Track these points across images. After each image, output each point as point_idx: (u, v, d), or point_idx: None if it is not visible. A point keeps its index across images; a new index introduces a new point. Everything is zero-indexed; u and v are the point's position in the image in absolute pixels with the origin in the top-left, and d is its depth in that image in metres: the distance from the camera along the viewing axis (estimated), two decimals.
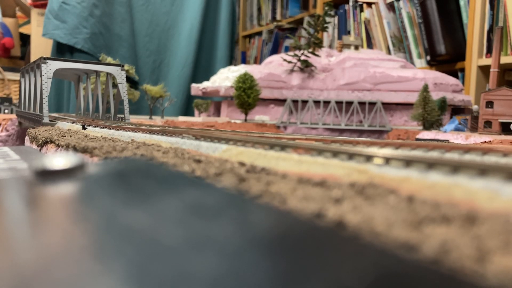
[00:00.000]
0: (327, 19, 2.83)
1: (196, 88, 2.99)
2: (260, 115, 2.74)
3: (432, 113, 2.09)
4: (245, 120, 2.60)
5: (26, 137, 1.39)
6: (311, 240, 0.24)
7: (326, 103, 2.63)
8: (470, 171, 0.43)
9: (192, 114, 3.46)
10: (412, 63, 3.08)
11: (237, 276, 0.19)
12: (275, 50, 4.58)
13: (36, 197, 0.38)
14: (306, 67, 2.84)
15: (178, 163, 0.55)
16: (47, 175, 0.42)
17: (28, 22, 4.25)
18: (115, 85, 1.75)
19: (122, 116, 1.70)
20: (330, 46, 3.85)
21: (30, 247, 0.23)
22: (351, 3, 3.62)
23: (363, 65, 2.85)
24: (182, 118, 2.69)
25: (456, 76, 2.83)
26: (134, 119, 2.19)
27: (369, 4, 3.43)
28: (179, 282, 0.18)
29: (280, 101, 2.82)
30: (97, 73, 1.81)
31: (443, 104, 2.17)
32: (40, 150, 1.08)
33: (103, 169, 0.48)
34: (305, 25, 3.74)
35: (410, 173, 0.44)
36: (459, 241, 0.25)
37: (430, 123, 2.12)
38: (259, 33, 5.02)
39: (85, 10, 3.74)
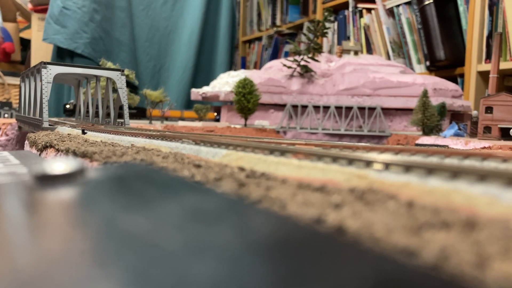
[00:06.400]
0: (327, 24, 2.84)
1: (196, 93, 2.99)
2: (259, 120, 2.74)
3: (432, 118, 2.09)
4: (245, 125, 2.61)
5: (26, 142, 1.39)
6: (311, 245, 0.24)
7: (326, 108, 2.63)
8: (469, 177, 0.43)
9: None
10: (412, 68, 3.09)
11: (237, 281, 0.19)
12: (275, 55, 4.60)
13: (36, 202, 0.38)
14: (305, 72, 2.85)
15: (177, 168, 0.55)
16: (47, 180, 0.42)
17: (29, 26, 4.26)
18: (115, 90, 1.75)
19: (122, 120, 1.70)
20: (330, 52, 3.86)
21: (30, 252, 0.23)
22: (350, 9, 3.63)
23: (362, 71, 2.85)
24: (181, 123, 2.69)
25: (455, 82, 2.84)
26: (134, 123, 2.19)
27: (369, 10, 3.45)
28: (179, 287, 0.18)
29: (280, 106, 2.82)
30: (97, 77, 1.82)
31: (442, 109, 2.18)
32: (39, 154, 1.08)
33: (102, 174, 0.48)
34: (304, 30, 3.75)
35: (410, 178, 0.44)
36: (459, 246, 0.25)
37: (430, 128, 2.12)
38: (259, 39, 5.04)
39: (85, 15, 3.75)
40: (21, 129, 2.16)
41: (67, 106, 3.01)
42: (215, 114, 3.43)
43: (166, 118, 2.85)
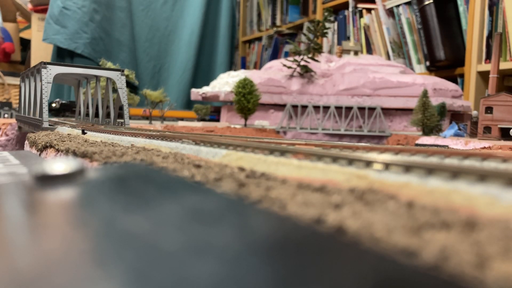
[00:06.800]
0: (327, 24, 2.84)
1: (196, 93, 2.99)
2: (259, 120, 2.74)
3: (432, 118, 2.09)
4: (245, 125, 2.61)
5: (26, 142, 1.39)
6: (311, 245, 0.24)
7: (326, 108, 2.63)
8: (469, 177, 0.43)
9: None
10: (412, 68, 3.09)
11: (237, 281, 0.19)
12: (275, 56, 4.60)
13: (36, 202, 0.38)
14: (305, 72, 2.85)
15: (177, 168, 0.55)
16: (47, 180, 0.42)
17: (29, 27, 4.26)
18: (115, 90, 1.75)
19: (122, 121, 1.70)
20: (330, 52, 3.86)
21: (30, 252, 0.23)
22: (350, 9, 3.63)
23: (362, 71, 2.85)
24: (181, 123, 2.69)
25: (455, 82, 2.84)
26: (133, 124, 2.19)
27: (369, 10, 3.45)
28: (179, 287, 0.18)
29: (280, 106, 2.82)
30: (97, 78, 1.82)
31: (442, 109, 2.18)
32: (39, 154, 1.08)
33: (102, 174, 0.48)
34: (304, 30, 3.75)
35: (410, 178, 0.44)
36: (459, 247, 0.25)
37: (430, 129, 2.12)
38: (259, 39, 5.04)
39: (85, 15, 3.75)
40: (21, 129, 2.16)
41: (53, 105, 2.93)
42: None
43: (147, 118, 2.87)
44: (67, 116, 2.85)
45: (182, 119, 3.23)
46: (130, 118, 3.15)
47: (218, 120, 3.40)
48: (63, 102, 2.97)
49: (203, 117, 3.29)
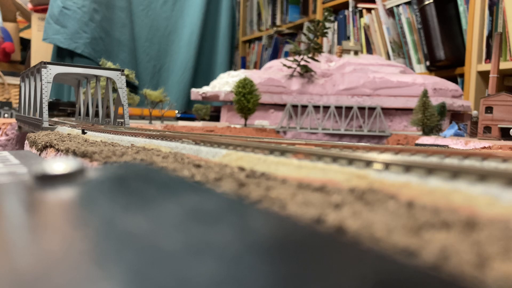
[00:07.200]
0: (327, 24, 2.84)
1: (196, 93, 2.99)
2: (259, 120, 2.74)
3: (432, 118, 2.09)
4: (245, 125, 2.61)
5: (26, 142, 1.39)
6: (311, 245, 0.24)
7: (326, 108, 2.63)
8: (469, 177, 0.43)
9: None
10: (412, 68, 3.09)
11: (237, 281, 0.19)
12: (275, 55, 4.60)
13: (36, 202, 0.38)
14: (305, 72, 2.85)
15: (177, 168, 0.55)
16: (47, 180, 0.42)
17: (29, 26, 4.26)
18: (115, 90, 1.75)
19: (122, 120, 1.70)
20: (330, 52, 3.86)
21: (30, 252, 0.23)
22: (350, 9, 3.63)
23: (362, 71, 2.85)
24: (181, 123, 2.69)
25: (455, 82, 2.84)
26: (133, 123, 2.19)
27: (369, 10, 3.45)
28: (179, 287, 0.18)
29: (280, 106, 2.82)
30: (97, 77, 1.81)
31: (442, 109, 2.18)
32: (39, 154, 1.08)
33: (102, 174, 0.48)
34: (304, 30, 3.75)
35: (410, 178, 0.44)
36: (459, 247, 0.25)
37: (430, 128, 2.12)
38: (259, 38, 5.04)
39: (85, 15, 3.75)
40: (21, 129, 2.16)
41: None
42: (176, 111, 3.40)
43: (129, 117, 2.85)
44: (55, 115, 2.83)
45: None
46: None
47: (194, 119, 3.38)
48: (51, 100, 2.93)
49: (203, 117, 3.29)
